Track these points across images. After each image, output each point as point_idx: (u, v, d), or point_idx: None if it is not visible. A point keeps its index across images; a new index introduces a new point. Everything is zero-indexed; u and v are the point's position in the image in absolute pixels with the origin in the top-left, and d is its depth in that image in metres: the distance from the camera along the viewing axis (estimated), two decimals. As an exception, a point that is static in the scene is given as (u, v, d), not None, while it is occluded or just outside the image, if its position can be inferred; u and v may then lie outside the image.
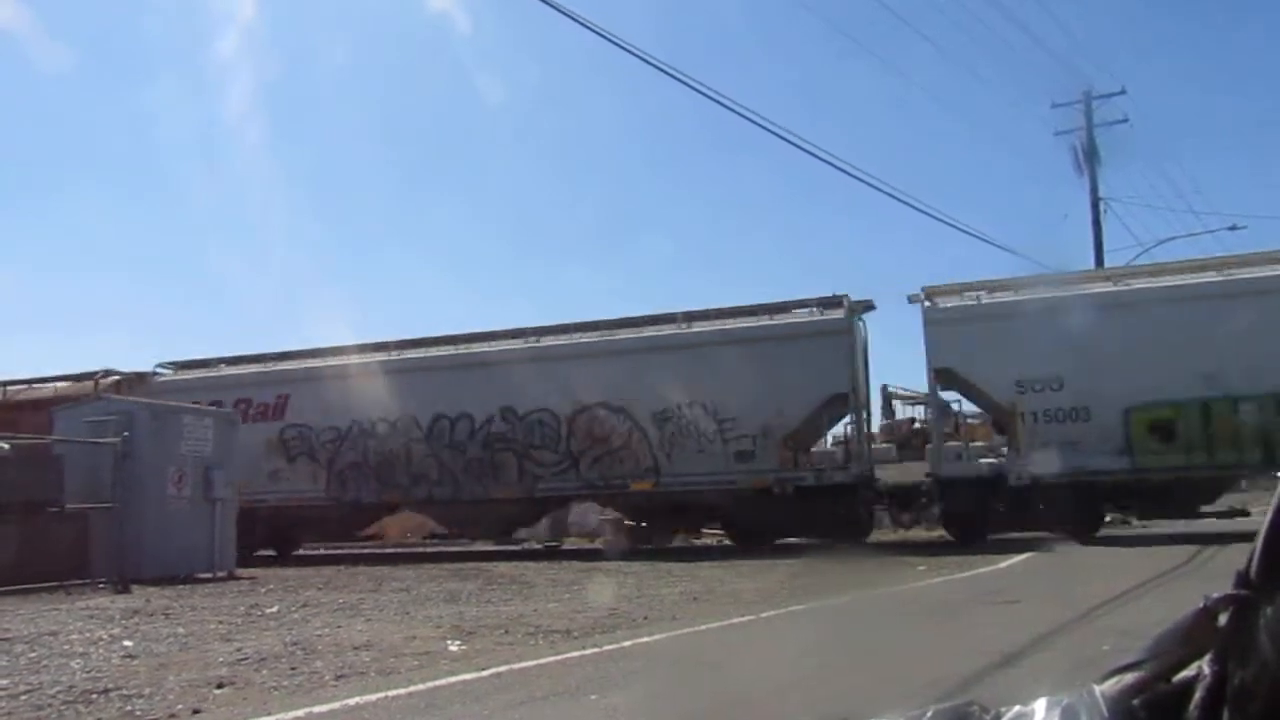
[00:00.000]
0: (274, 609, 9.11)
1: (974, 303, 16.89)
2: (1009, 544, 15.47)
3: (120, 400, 14.36)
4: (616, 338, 18.40)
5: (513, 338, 19.26)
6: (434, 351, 19.60)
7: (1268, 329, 14.33)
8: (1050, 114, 28.06)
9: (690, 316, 18.23)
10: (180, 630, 7.60)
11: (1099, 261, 25.80)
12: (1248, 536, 0.74)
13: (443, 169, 67.20)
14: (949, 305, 16.99)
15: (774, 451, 17.09)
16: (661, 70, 12.42)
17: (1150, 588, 8.76)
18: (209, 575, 13.07)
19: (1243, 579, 0.71)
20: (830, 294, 17.52)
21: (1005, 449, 16.73)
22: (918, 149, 61.40)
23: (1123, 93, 27.46)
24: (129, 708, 4.79)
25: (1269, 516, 0.70)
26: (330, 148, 63.57)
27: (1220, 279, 15.60)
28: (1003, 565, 12.49)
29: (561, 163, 68.74)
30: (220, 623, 8.10)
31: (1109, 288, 16.37)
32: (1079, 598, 8.00)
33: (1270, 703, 0.66)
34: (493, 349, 19.04)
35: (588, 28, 11.28)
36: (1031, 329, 15.67)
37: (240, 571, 13.75)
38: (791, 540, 17.19)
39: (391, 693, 5.01)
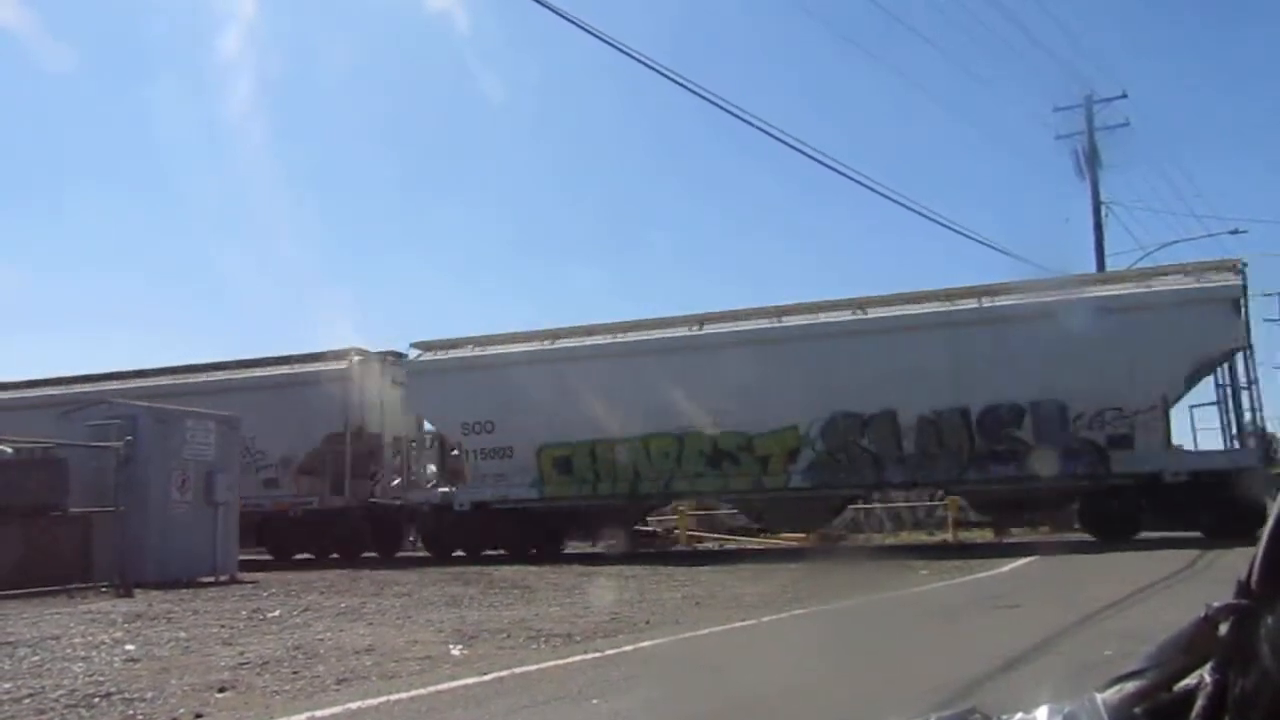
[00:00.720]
0: (276, 613, 9.11)
1: (438, 357, 19.94)
2: (1011, 548, 15.46)
3: (123, 404, 14.37)
4: (176, 382, 21.20)
5: (107, 379, 22.12)
6: (42, 391, 22.30)
7: (638, 385, 17.43)
8: (1052, 117, 28.10)
9: (243, 364, 21.47)
10: (182, 634, 7.60)
11: (1100, 265, 25.80)
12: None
13: (446, 169, 67.33)
14: (423, 359, 20.07)
15: (293, 480, 20.26)
16: (666, 76, 12.43)
17: (1152, 592, 8.75)
18: (211, 579, 13.07)
19: (1243, 588, 0.71)
20: (344, 348, 20.68)
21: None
22: (920, 150, 61.44)
23: (1124, 96, 27.47)
24: (131, 711, 4.79)
25: (1269, 526, 0.70)
26: (333, 148, 63.78)
27: (604, 341, 18.82)
28: (1004, 569, 12.48)
29: (564, 163, 68.89)
30: (222, 627, 8.10)
31: (536, 346, 19.32)
32: (1080, 602, 7.99)
33: (1271, 712, 0.66)
34: (91, 389, 21.28)
35: (591, 33, 11.30)
36: (474, 382, 18.91)
37: (242, 575, 13.76)
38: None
39: (393, 697, 5.01)
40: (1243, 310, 15.93)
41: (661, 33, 56.17)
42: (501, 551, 18.55)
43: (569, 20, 10.90)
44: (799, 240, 69.69)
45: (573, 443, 18.19)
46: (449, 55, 57.06)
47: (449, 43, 57.81)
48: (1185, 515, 15.60)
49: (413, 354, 20.23)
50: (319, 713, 4.68)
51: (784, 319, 17.95)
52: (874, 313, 17.56)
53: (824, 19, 61.00)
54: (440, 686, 5.29)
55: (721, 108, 13.13)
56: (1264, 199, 58.95)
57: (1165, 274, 16.96)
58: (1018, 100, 57.59)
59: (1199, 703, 0.71)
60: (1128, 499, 16.00)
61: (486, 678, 5.54)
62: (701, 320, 18.59)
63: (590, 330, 19.35)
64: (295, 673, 5.79)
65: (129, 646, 6.88)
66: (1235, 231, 27.45)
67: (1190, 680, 0.73)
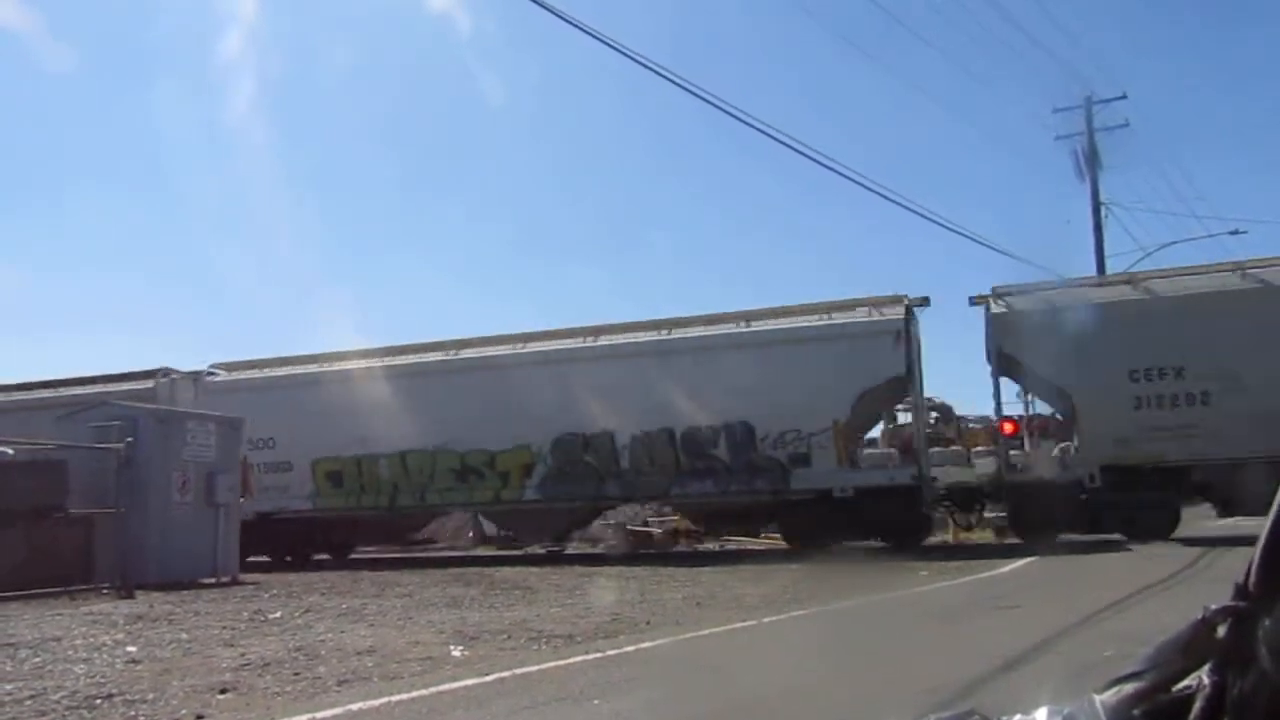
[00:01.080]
0: (277, 614, 9.11)
1: (229, 378, 21.40)
2: (1012, 550, 15.47)
3: (125, 405, 14.36)
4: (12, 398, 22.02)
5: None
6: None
7: (398, 405, 18.85)
8: (1052, 117, 28.09)
9: (65, 383, 22.28)
10: (184, 635, 7.60)
11: (1100, 267, 25.80)
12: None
13: (446, 169, 67.35)
14: (217, 380, 21.42)
15: None
16: (666, 77, 12.45)
17: (1151, 593, 8.75)
18: (212, 580, 13.06)
19: (1241, 590, 0.72)
20: (156, 367, 21.50)
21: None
22: (920, 150, 61.46)
23: (1124, 97, 27.46)
24: (132, 713, 4.80)
25: (1266, 529, 0.71)
26: (333, 148, 63.80)
27: (365, 365, 20.11)
28: (1005, 570, 12.48)
29: (564, 163, 68.88)
30: (224, 628, 8.10)
31: (313, 369, 20.71)
32: (1080, 602, 7.99)
33: (1269, 713, 0.67)
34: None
35: (591, 34, 11.32)
36: (258, 401, 19.69)
37: (244, 577, 13.75)
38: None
39: (394, 698, 5.02)
40: (909, 342, 17.25)
41: (661, 33, 56.21)
42: (288, 558, 19.74)
43: (569, 21, 10.93)
44: (799, 240, 69.73)
45: (342, 457, 19.67)
46: (449, 56, 57.11)
47: (449, 43, 57.89)
48: (861, 526, 17.35)
49: (215, 374, 21.64)
50: (320, 714, 4.68)
51: (526, 345, 19.48)
52: (603, 340, 19.02)
53: (824, 19, 61.01)
54: (441, 687, 5.30)
55: (721, 108, 13.19)
56: (1264, 199, 58.98)
57: (845, 307, 18.27)
58: (1018, 100, 57.75)
59: (1197, 704, 0.71)
60: (810, 512, 17.42)
61: (488, 678, 5.55)
62: (459, 345, 20.18)
63: (361, 354, 20.88)
64: (297, 674, 5.80)
65: (130, 648, 6.89)
66: (1235, 232, 27.41)
67: (1189, 682, 0.74)
